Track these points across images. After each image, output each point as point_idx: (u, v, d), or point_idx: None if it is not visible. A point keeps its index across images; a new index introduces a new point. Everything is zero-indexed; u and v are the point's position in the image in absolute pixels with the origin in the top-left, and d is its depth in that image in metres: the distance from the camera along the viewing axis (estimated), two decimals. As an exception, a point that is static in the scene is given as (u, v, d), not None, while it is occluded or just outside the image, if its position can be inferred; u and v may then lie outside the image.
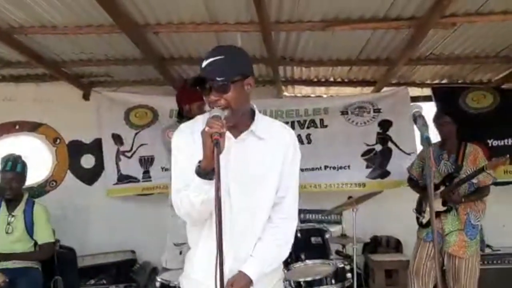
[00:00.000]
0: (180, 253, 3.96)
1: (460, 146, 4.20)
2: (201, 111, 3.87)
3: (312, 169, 5.63)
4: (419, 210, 4.32)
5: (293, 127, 5.81)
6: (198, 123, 2.00)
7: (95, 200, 5.92)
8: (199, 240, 2.07)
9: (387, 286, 5.31)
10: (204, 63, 1.91)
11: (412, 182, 4.52)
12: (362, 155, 5.61)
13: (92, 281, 5.47)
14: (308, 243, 3.60)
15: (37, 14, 3.83)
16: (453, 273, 4.08)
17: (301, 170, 6.24)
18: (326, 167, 5.64)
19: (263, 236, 2.04)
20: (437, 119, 4.27)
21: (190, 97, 3.83)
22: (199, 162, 1.84)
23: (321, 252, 3.60)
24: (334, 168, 5.63)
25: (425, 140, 2.00)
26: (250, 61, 2.08)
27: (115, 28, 3.91)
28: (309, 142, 5.72)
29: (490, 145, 5.43)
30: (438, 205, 4.08)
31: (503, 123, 5.36)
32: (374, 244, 5.82)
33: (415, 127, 5.81)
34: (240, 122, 2.00)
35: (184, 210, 1.96)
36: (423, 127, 2.04)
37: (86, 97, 6.00)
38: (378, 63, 5.01)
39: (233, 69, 1.91)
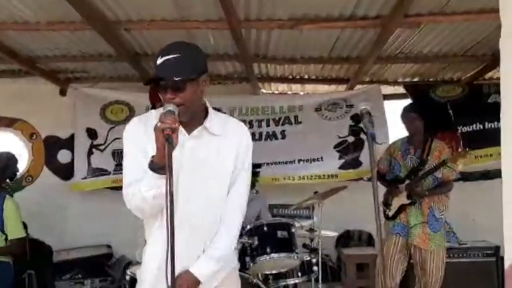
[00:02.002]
0: None
1: (426, 141, 4.30)
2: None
3: (285, 162, 5.76)
4: (386, 204, 4.41)
5: (268, 124, 5.94)
6: (152, 117, 2.01)
7: (71, 195, 5.94)
8: (153, 234, 2.08)
9: (358, 279, 5.43)
10: (159, 61, 1.91)
11: (380, 176, 4.60)
12: (335, 147, 5.73)
13: (68, 276, 5.52)
14: (274, 237, 3.66)
15: (8, 11, 3.85)
16: (420, 265, 4.18)
17: (274, 163, 6.36)
18: (299, 160, 5.76)
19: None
20: (404, 115, 4.37)
21: (155, 98, 3.89)
22: (152, 157, 1.85)
23: (287, 245, 3.67)
24: (307, 160, 5.74)
25: (370, 136, 2.08)
26: (205, 58, 2.09)
27: (86, 24, 3.94)
28: (283, 137, 5.85)
29: (460, 131, 5.57)
30: (403, 198, 4.20)
31: (470, 109, 5.50)
32: (347, 238, 5.95)
33: (387, 121, 5.90)
34: (193, 118, 2.01)
35: (135, 204, 1.97)
36: (369, 123, 2.12)
37: (63, 93, 6.02)
38: (349, 61, 5.10)
39: (189, 67, 1.91)
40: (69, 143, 6.00)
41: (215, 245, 2.05)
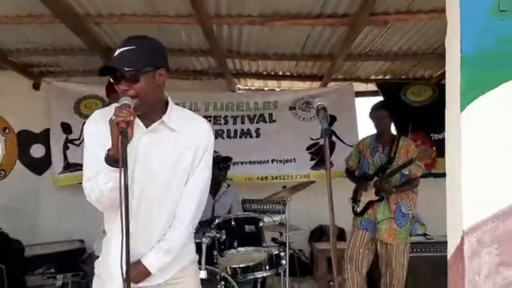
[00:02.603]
0: None
1: (394, 139, 4.38)
2: None
3: (260, 162, 5.85)
4: (355, 199, 4.49)
5: (243, 121, 6.00)
6: (112, 111, 1.99)
7: (44, 190, 5.92)
8: (111, 226, 2.09)
9: (329, 274, 5.49)
10: (116, 52, 1.94)
11: (350, 173, 4.69)
12: (307, 149, 5.84)
13: (40, 270, 5.48)
14: (241, 231, 3.68)
15: (-23, 3, 3.82)
16: (385, 259, 4.27)
17: (249, 163, 6.43)
18: (273, 160, 5.86)
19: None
20: (373, 113, 4.43)
21: (112, 88, 3.91)
22: (108, 150, 1.86)
23: (255, 239, 3.70)
24: (280, 161, 5.85)
25: (324, 131, 2.13)
26: (165, 52, 2.08)
27: (55, 18, 3.93)
28: (258, 136, 5.93)
29: (433, 138, 5.68)
30: (371, 195, 4.28)
31: (441, 115, 5.58)
32: (320, 233, 6.03)
33: (357, 120, 6.00)
34: (152, 112, 2.02)
35: (95, 197, 1.98)
36: (324, 119, 2.16)
37: (36, 87, 5.98)
38: (321, 58, 5.16)
39: (143, 59, 1.92)
40: (42, 138, 5.96)
41: (166, 237, 2.07)
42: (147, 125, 2.03)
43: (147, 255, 2.05)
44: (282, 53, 5.09)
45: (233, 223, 3.71)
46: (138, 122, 2.00)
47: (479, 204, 1.57)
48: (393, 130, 5.60)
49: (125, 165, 1.78)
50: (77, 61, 5.45)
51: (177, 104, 6.33)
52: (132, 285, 1.91)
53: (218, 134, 5.94)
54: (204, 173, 2.13)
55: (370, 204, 4.31)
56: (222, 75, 5.89)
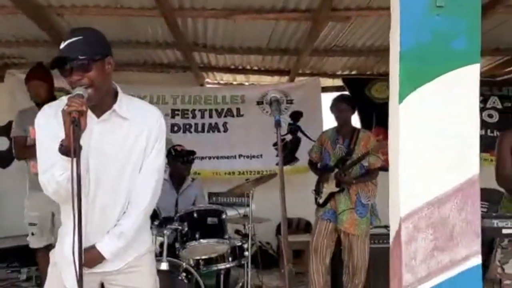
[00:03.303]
0: (32, 234, 4.09)
1: (354, 131, 4.47)
2: (36, 91, 3.97)
3: (227, 157, 5.91)
4: (317, 191, 4.56)
5: (210, 115, 6.03)
6: (62, 103, 2.00)
7: (9, 183, 5.80)
8: (67, 216, 2.09)
9: (294, 265, 5.57)
10: (63, 45, 1.95)
11: (312, 165, 4.76)
12: (274, 145, 5.88)
13: (4, 264, 5.42)
14: (203, 223, 3.70)
15: None
16: (347, 249, 4.36)
17: (216, 157, 6.49)
18: (240, 155, 5.92)
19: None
20: (334, 106, 4.50)
21: (27, 77, 3.94)
22: (62, 140, 1.88)
23: (217, 231, 3.73)
24: (247, 157, 5.91)
25: (276, 122, 2.18)
26: (108, 42, 2.12)
27: (16, 9, 3.87)
28: (225, 130, 5.97)
29: None
30: (332, 186, 4.36)
31: None
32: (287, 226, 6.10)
33: (323, 115, 6.09)
34: (103, 102, 2.05)
35: (52, 190, 2.00)
36: (276, 110, 2.22)
37: (0, 79, 5.87)
38: (287, 52, 5.22)
39: (93, 48, 1.97)
40: (6, 130, 5.84)
41: (119, 222, 2.10)
42: (98, 116, 2.06)
43: (100, 240, 2.08)
44: (248, 47, 5.13)
45: (195, 215, 3.73)
46: (89, 113, 2.02)
47: (416, 192, 1.64)
48: (358, 124, 5.75)
49: (78, 155, 1.80)
50: (42, 53, 5.35)
51: (145, 97, 6.30)
52: (87, 270, 1.96)
53: (185, 128, 5.97)
54: (157, 160, 2.17)
55: (331, 195, 4.39)
56: (190, 69, 5.90)
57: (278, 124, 2.22)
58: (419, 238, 1.63)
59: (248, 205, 5.20)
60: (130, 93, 6.42)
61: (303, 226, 6.03)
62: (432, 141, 1.63)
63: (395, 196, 1.72)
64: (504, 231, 2.72)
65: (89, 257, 2.00)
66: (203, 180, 5.30)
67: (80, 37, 1.96)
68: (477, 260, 1.60)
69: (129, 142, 2.10)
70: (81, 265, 1.82)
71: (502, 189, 3.56)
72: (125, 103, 2.12)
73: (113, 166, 2.08)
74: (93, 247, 2.06)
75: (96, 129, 2.05)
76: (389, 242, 4.98)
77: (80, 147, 1.83)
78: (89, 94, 1.93)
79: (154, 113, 2.20)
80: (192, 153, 4.55)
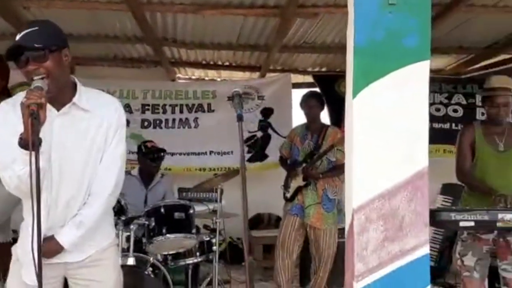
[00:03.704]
0: None
1: (323, 128, 4.53)
2: None
3: (198, 153, 5.92)
4: (286, 186, 4.61)
5: (181, 110, 6.03)
6: (20, 98, 1.98)
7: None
8: (29, 210, 2.04)
9: (264, 260, 5.63)
10: (18, 36, 1.96)
11: (283, 161, 4.81)
12: (245, 141, 5.91)
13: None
14: (170, 218, 3.71)
15: None
16: (314, 244, 4.42)
17: (187, 154, 6.48)
18: (211, 152, 5.94)
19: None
20: (303, 102, 4.55)
21: None
22: (21, 134, 1.87)
23: (184, 226, 3.74)
24: (218, 153, 5.94)
25: (238, 116, 2.22)
26: (64, 34, 2.12)
27: (-21, 0, 3.80)
28: (196, 126, 5.97)
29: None
30: (300, 181, 4.42)
31: None
32: (257, 221, 6.16)
33: (292, 111, 6.15)
34: (62, 95, 2.05)
35: (14, 185, 1.99)
36: (238, 105, 2.25)
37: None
38: (257, 48, 5.25)
39: (49, 38, 1.97)
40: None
41: (79, 212, 2.10)
42: (58, 109, 2.06)
43: (60, 230, 2.08)
44: (219, 42, 5.14)
45: (162, 210, 3.73)
46: (49, 107, 2.02)
47: (368, 185, 1.69)
48: (328, 120, 5.82)
49: (37, 148, 1.79)
50: (7, 46, 5.26)
51: (115, 92, 6.26)
52: (47, 261, 1.97)
53: (156, 124, 5.95)
54: (118, 150, 2.17)
55: (298, 190, 4.44)
56: (161, 64, 5.88)
57: (240, 119, 2.25)
58: (370, 229, 1.68)
59: (217, 200, 5.24)
60: (100, 88, 6.38)
61: (274, 222, 6.08)
62: (383, 135, 1.68)
63: (349, 189, 1.76)
64: (461, 223, 2.81)
65: (48, 247, 2.00)
66: (174, 176, 5.30)
67: (36, 28, 1.97)
68: (426, 249, 1.66)
69: (90, 134, 2.11)
70: (40, 257, 1.81)
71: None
72: (85, 95, 2.13)
73: (75, 158, 2.09)
74: (52, 237, 2.05)
75: (56, 123, 2.05)
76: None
77: (39, 140, 1.82)
78: (47, 85, 1.92)
79: (113, 103, 2.22)
80: (162, 150, 4.55)
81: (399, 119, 1.66)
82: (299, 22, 4.37)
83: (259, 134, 6.01)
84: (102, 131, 2.12)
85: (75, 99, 2.08)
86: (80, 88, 2.13)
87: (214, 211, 4.39)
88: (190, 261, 3.97)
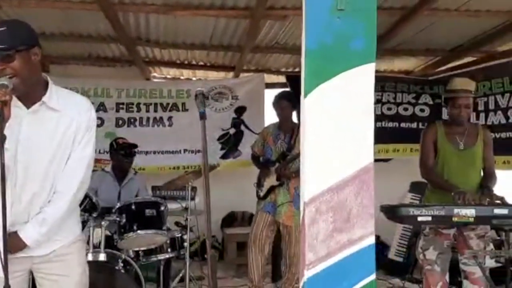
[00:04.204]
0: None
1: (295, 127, 4.63)
2: None
3: (172, 152, 5.97)
4: (259, 184, 4.71)
5: (156, 109, 6.08)
6: None
7: None
8: None
9: (238, 257, 5.72)
10: None
11: (255, 159, 4.90)
12: (218, 139, 6.02)
13: None
14: (141, 215, 3.78)
15: None
16: (285, 241, 4.53)
17: (161, 152, 6.52)
18: (185, 150, 5.99)
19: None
20: (276, 103, 4.65)
21: None
22: None
23: (155, 223, 3.81)
24: (192, 151, 5.99)
25: (200, 114, 2.30)
26: (34, 33, 2.14)
27: (-51, -2, 3.81)
28: (170, 125, 6.04)
29: None
30: (273, 179, 4.52)
31: None
32: (231, 219, 6.25)
33: (264, 110, 6.24)
34: (32, 93, 2.09)
35: None
36: (201, 103, 2.34)
37: None
38: (230, 49, 5.34)
39: (16, 38, 2.00)
40: None
41: (43, 210, 2.15)
42: (28, 107, 2.10)
43: (23, 227, 2.12)
44: (192, 42, 5.21)
45: (133, 207, 3.79)
46: (19, 105, 2.07)
47: (318, 179, 1.79)
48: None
49: (1, 145, 1.84)
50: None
51: (89, 90, 6.26)
52: (12, 256, 2.00)
53: (130, 122, 5.99)
54: (86, 151, 2.21)
55: (272, 189, 4.54)
56: (135, 63, 5.92)
57: (202, 117, 2.34)
58: (320, 220, 1.78)
59: (191, 198, 5.31)
60: (74, 86, 6.41)
61: (248, 219, 6.17)
62: (332, 133, 1.78)
63: (302, 184, 1.87)
64: (419, 218, 2.93)
65: (11, 243, 2.04)
66: (148, 175, 5.35)
67: (4, 28, 1.99)
68: (371, 239, 1.78)
69: (59, 133, 2.14)
70: (6, 252, 1.87)
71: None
72: (55, 95, 2.16)
73: (41, 157, 2.12)
74: (15, 234, 2.09)
75: (25, 120, 2.09)
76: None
77: (4, 137, 1.86)
78: (14, 84, 1.96)
79: (84, 104, 2.25)
80: (134, 146, 4.59)
81: (346, 118, 1.77)
82: (269, 24, 4.48)
83: (232, 131, 6.10)
84: (71, 131, 2.16)
85: (45, 98, 2.11)
86: (51, 87, 2.16)
87: (187, 209, 4.47)
88: (161, 257, 4.04)
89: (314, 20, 1.81)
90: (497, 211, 2.94)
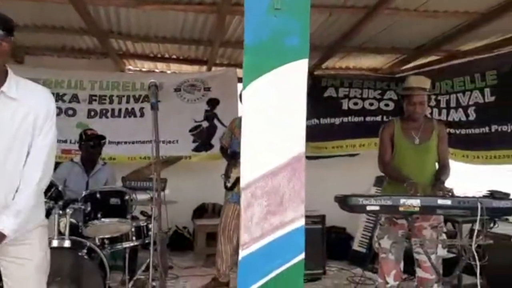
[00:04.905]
0: None
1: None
2: None
3: (143, 142, 5.99)
4: (226, 175, 4.83)
5: (128, 101, 6.14)
6: None
7: None
8: None
9: (207, 247, 5.84)
10: None
11: (223, 150, 5.02)
12: (190, 131, 6.12)
13: None
14: (106, 204, 3.87)
15: None
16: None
17: (132, 142, 6.55)
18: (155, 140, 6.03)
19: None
20: (241, 97, 4.77)
21: None
22: None
23: (119, 211, 3.91)
24: (164, 142, 6.02)
25: (152, 105, 2.42)
26: (8, 22, 2.15)
27: None
28: (142, 115, 6.10)
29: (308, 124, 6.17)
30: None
31: (311, 103, 6.07)
32: (202, 210, 6.37)
33: (239, 104, 6.38)
34: None
35: None
36: (153, 94, 2.46)
37: None
38: (201, 43, 5.44)
39: None
40: None
41: (14, 201, 2.23)
42: None
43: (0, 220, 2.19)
44: (163, 36, 5.30)
45: (98, 196, 3.88)
46: None
47: (254, 166, 1.94)
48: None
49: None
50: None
51: (63, 82, 6.27)
52: None
53: (102, 113, 6.05)
54: (46, 140, 2.28)
55: (239, 180, 4.65)
56: (110, 55, 5.99)
57: (153, 107, 2.46)
58: (255, 204, 1.92)
59: (157, 189, 5.41)
60: (48, 77, 6.45)
61: (218, 211, 6.28)
62: (267, 124, 1.92)
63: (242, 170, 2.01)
64: (368, 207, 3.10)
65: None
66: (119, 165, 5.43)
67: None
68: (301, 222, 1.93)
69: (16, 122, 2.20)
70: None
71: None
72: (15, 84, 2.22)
73: (1, 145, 2.18)
74: None
75: None
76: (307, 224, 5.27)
77: None
78: None
79: (43, 94, 2.32)
80: (102, 137, 4.68)
81: (280, 110, 1.91)
82: (237, 19, 4.59)
83: (205, 124, 6.18)
84: (29, 120, 2.22)
85: (3, 88, 2.18)
86: (11, 76, 2.22)
87: (151, 199, 4.56)
88: (126, 245, 4.12)
89: (252, 18, 1.94)
90: (441, 201, 3.12)
